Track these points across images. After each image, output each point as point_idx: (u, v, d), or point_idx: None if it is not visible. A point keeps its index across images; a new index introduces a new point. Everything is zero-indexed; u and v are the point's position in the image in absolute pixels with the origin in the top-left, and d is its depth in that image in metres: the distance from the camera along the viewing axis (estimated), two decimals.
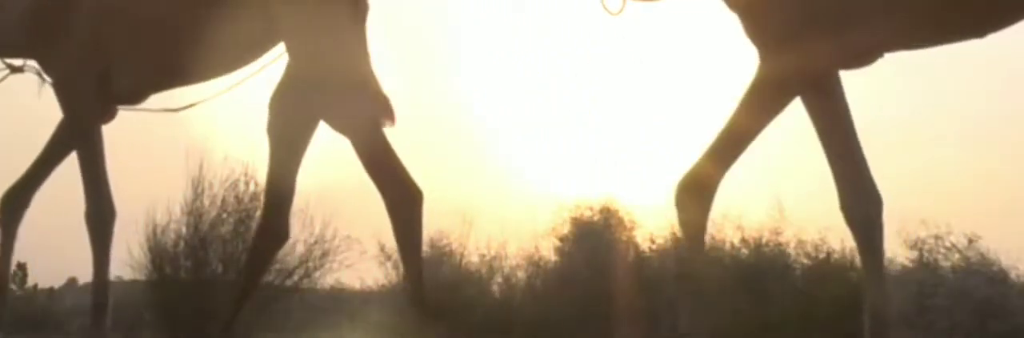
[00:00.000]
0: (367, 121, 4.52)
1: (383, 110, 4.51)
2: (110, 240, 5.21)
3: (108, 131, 5.18)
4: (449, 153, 10.83)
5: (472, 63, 9.88)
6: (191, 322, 7.83)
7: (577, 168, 9.82)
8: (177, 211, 8.37)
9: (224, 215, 8.34)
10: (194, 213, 8.32)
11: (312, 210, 8.30)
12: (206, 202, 8.37)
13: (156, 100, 5.22)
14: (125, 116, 5.20)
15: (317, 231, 8.41)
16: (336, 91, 4.47)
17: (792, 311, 7.78)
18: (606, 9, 4.35)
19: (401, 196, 4.65)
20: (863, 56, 4.18)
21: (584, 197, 9.18)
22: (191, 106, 5.13)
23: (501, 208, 9.97)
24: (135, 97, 5.14)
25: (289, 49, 4.56)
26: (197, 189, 8.35)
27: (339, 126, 4.54)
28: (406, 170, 4.65)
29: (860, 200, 4.22)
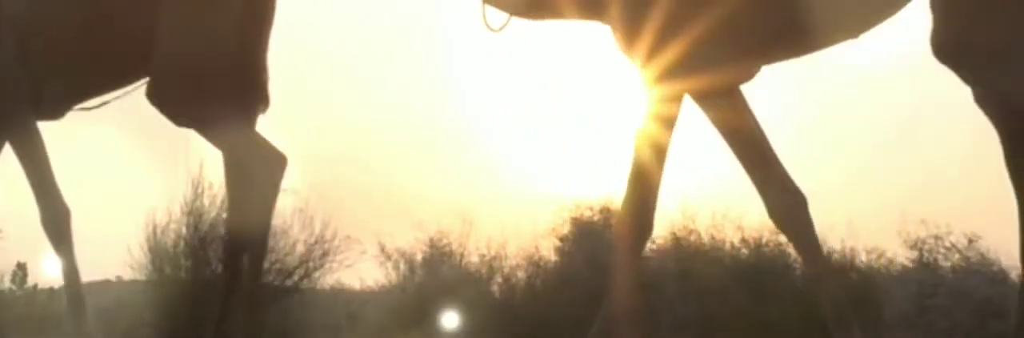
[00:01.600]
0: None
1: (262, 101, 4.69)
2: (71, 239, 5.18)
3: (108, 131, 5.19)
4: (449, 153, 10.83)
5: (472, 63, 9.88)
6: (191, 322, 7.84)
7: (577, 168, 9.82)
8: (177, 211, 8.38)
9: (224, 215, 8.34)
10: (194, 213, 8.33)
11: (312, 210, 8.31)
12: (206, 202, 8.38)
13: None
14: (124, 117, 5.20)
15: (317, 231, 8.41)
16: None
17: (792, 311, 7.78)
18: (487, 26, 4.40)
19: (269, 162, 4.69)
20: (742, 71, 4.26)
21: (584, 197, 9.19)
22: (104, 104, 5.14)
23: (501, 208, 9.97)
24: (60, 112, 5.15)
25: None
26: (197, 189, 8.36)
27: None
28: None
29: (787, 204, 4.28)
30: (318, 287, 8.78)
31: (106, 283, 10.66)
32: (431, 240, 9.04)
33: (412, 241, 9.04)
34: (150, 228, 8.34)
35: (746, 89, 4.37)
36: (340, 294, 9.32)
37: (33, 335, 8.87)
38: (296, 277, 8.43)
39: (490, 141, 10.02)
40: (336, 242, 8.47)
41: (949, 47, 3.89)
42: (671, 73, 4.15)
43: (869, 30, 4.10)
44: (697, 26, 4.06)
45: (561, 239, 9.09)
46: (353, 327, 8.65)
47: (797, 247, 4.30)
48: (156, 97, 4.51)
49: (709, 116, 4.29)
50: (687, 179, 5.68)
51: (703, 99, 4.26)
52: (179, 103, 4.48)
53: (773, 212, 4.27)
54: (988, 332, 7.49)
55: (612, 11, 4.21)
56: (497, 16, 4.34)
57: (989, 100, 3.95)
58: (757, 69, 4.29)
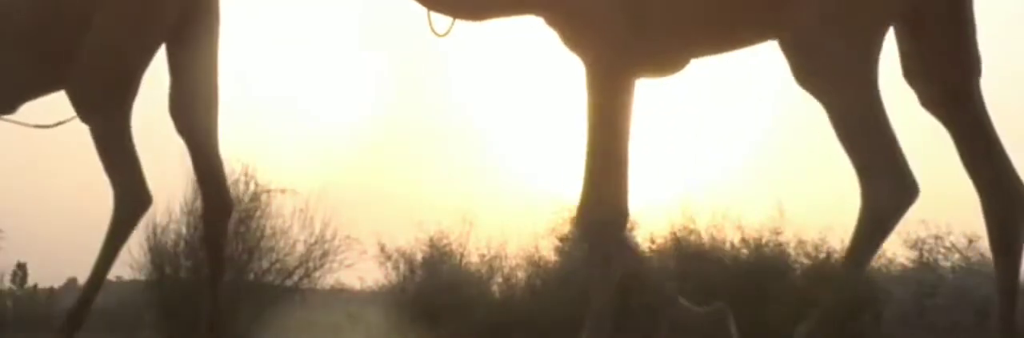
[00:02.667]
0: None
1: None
2: None
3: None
4: (449, 153, 10.84)
5: (471, 62, 9.89)
6: (191, 322, 7.83)
7: (577, 168, 9.81)
8: (177, 211, 8.37)
9: None
10: (194, 213, 8.32)
11: (312, 210, 8.31)
12: None
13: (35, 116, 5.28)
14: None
15: (317, 231, 8.41)
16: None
17: (792, 311, 7.77)
18: (433, 31, 4.48)
19: (218, 206, 5.05)
20: (668, 65, 4.36)
21: None
22: (63, 123, 5.19)
23: (501, 208, 9.98)
24: (7, 107, 5.18)
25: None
26: (197, 189, 8.34)
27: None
28: (226, 182, 5.06)
29: (607, 215, 4.35)
30: (318, 287, 8.78)
31: (106, 283, 10.64)
32: (431, 240, 9.03)
33: (412, 241, 9.04)
34: (150, 228, 8.34)
35: (747, 89, 4.37)
36: (340, 294, 9.31)
37: (33, 335, 8.86)
38: (296, 277, 8.43)
39: (490, 141, 10.03)
40: (336, 242, 8.47)
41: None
42: (608, 63, 4.23)
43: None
44: (631, 18, 4.14)
45: (561, 239, 9.08)
46: (353, 327, 8.64)
47: (594, 258, 4.37)
48: (73, 95, 4.69)
49: (596, 113, 4.38)
50: (687, 179, 5.66)
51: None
52: (89, 104, 4.64)
53: (580, 221, 4.40)
54: (988, 332, 7.48)
55: (548, 4, 4.29)
56: (442, 20, 4.41)
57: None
58: (685, 62, 4.39)
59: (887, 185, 4.04)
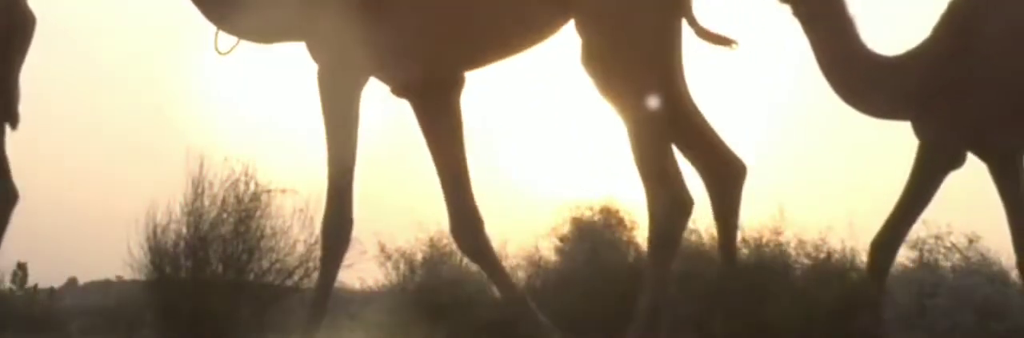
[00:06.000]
0: None
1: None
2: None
3: (108, 131, 5.22)
4: None
5: None
6: (191, 322, 7.84)
7: (577, 168, 9.83)
8: (177, 211, 8.37)
9: (224, 215, 8.34)
10: (194, 213, 8.32)
11: (312, 210, 8.30)
12: (206, 202, 8.37)
13: None
14: (124, 118, 5.22)
15: (317, 231, 8.39)
16: None
17: (792, 311, 7.77)
18: (217, 50, 4.76)
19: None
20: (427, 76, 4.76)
21: (584, 197, 9.18)
22: None
23: (501, 208, 9.97)
24: None
25: None
26: (197, 189, 8.35)
27: None
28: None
29: (469, 227, 4.61)
30: None
31: (106, 283, 10.65)
32: (431, 240, 9.03)
33: (412, 241, 9.04)
34: (150, 228, 8.34)
35: (747, 89, 4.36)
36: (340, 294, 9.31)
37: (33, 335, 8.87)
38: (296, 277, 8.42)
39: (490, 141, 10.02)
40: None
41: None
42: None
43: (528, 49, 4.60)
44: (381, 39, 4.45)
45: (561, 239, 9.08)
46: (353, 327, 8.64)
47: (492, 274, 4.62)
48: None
49: (417, 120, 4.76)
50: (687, 179, 5.67)
51: (413, 104, 4.76)
52: None
53: (457, 236, 4.66)
54: (988, 332, 7.49)
55: (310, 31, 4.56)
56: (227, 39, 4.67)
57: None
58: (457, 74, 4.78)
59: (667, 198, 4.56)
